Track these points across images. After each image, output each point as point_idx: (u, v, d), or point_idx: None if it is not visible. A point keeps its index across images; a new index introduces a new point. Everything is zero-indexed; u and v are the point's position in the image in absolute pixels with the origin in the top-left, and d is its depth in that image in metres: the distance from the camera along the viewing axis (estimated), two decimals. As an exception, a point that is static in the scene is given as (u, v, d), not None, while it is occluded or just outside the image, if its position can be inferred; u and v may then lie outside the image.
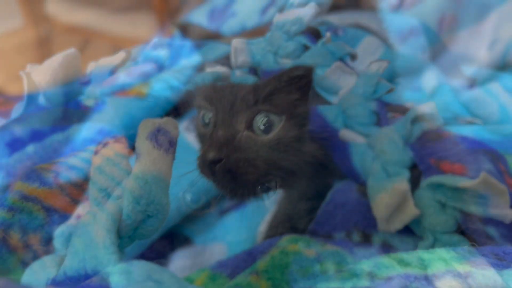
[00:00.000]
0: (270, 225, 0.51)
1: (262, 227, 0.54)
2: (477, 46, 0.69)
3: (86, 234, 0.31)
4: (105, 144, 0.39)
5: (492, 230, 0.50)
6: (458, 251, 0.33)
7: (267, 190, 0.41)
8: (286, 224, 0.48)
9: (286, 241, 0.38)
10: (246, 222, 0.55)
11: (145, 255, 0.45)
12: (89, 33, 1.86)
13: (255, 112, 0.37)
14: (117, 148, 0.38)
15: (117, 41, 1.54)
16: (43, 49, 2.03)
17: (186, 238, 0.54)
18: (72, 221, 0.46)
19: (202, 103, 0.41)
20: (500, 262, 0.32)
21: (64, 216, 0.62)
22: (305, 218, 0.45)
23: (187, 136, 0.55)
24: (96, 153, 0.39)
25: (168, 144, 0.34)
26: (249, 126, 0.37)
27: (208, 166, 0.37)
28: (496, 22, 0.70)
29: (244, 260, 0.39)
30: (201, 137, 0.42)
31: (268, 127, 0.37)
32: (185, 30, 0.74)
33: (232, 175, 0.37)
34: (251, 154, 0.37)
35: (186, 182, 0.51)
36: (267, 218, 0.54)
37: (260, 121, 0.37)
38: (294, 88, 0.39)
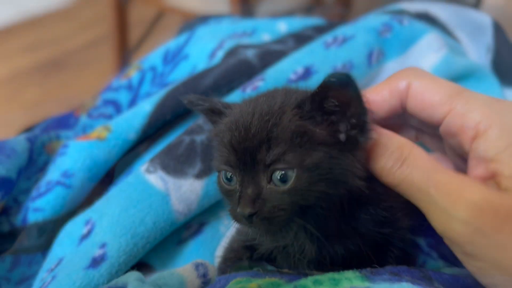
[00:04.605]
0: (230, 248, 0.56)
1: (219, 251, 0.60)
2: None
3: None
4: None
5: (420, 241, 0.57)
6: (362, 272, 0.42)
7: (302, 228, 0.46)
8: (245, 250, 0.54)
9: (232, 284, 0.44)
10: (204, 249, 0.60)
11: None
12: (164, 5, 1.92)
13: (271, 171, 0.43)
14: None
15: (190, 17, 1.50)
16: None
17: (146, 264, 0.59)
18: None
19: (223, 167, 0.47)
20: (395, 277, 0.40)
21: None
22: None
23: (149, 177, 0.60)
24: None
25: None
26: (270, 180, 0.44)
27: (246, 219, 0.43)
28: (418, 53, 0.79)
29: None
30: (226, 191, 0.47)
31: (285, 179, 0.43)
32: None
33: (267, 221, 0.43)
34: (276, 202, 0.43)
35: (138, 218, 0.56)
36: (224, 242, 0.59)
37: (276, 175, 0.43)
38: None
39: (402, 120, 0.53)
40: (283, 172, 0.43)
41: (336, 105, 0.43)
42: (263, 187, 0.44)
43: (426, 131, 0.53)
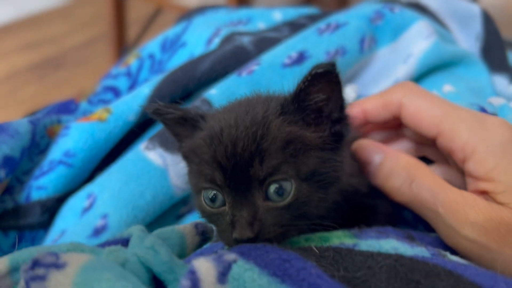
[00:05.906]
0: None
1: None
2: (394, 61, 0.80)
3: None
4: None
5: (407, 214, 0.59)
6: (351, 231, 0.43)
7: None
8: None
9: None
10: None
11: None
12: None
13: (267, 186, 0.40)
14: None
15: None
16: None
17: None
18: None
19: (206, 185, 0.42)
20: (381, 234, 0.43)
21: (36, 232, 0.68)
22: None
23: (148, 153, 0.62)
24: None
25: None
26: (266, 197, 0.41)
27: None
28: (408, 40, 0.82)
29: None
30: (210, 214, 0.43)
31: (282, 192, 0.40)
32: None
33: (269, 242, 0.40)
34: (275, 220, 0.40)
35: (138, 191, 0.58)
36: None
37: (272, 189, 0.40)
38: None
39: (399, 132, 0.56)
40: (279, 184, 0.40)
41: (321, 99, 0.42)
42: (259, 206, 0.40)
43: (426, 143, 0.54)
